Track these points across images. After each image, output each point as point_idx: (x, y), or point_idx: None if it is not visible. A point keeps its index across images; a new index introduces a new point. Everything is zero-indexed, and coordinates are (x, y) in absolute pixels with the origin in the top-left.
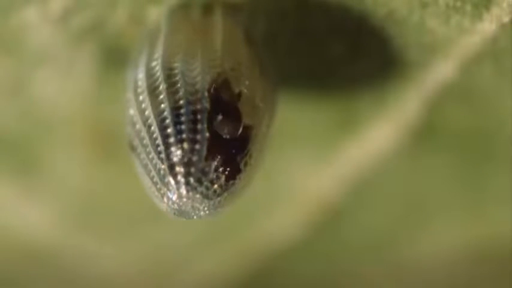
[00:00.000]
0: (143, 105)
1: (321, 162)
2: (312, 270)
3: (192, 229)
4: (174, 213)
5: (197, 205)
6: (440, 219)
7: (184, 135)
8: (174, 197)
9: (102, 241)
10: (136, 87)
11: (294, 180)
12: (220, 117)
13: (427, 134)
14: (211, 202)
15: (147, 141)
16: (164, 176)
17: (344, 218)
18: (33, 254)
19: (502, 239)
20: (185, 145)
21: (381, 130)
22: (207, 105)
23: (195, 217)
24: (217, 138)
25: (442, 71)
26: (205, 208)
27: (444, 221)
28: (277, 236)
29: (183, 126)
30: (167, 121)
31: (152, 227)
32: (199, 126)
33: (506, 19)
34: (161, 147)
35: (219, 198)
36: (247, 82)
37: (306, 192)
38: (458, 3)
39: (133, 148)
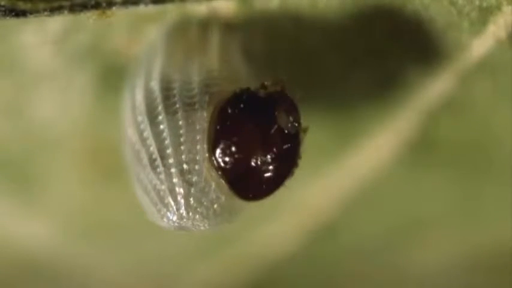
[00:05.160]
0: (142, 126)
1: (319, 173)
2: (309, 281)
3: (190, 240)
4: (174, 229)
5: (197, 223)
6: (439, 228)
7: (183, 156)
8: (174, 218)
9: (100, 253)
10: (134, 107)
11: (292, 191)
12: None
13: (424, 146)
14: (211, 222)
15: (146, 161)
16: (164, 197)
17: (342, 228)
18: (33, 265)
19: (502, 248)
20: (185, 166)
21: (379, 143)
22: (205, 125)
23: (195, 231)
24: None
25: (439, 86)
26: (206, 225)
27: (443, 230)
28: (276, 245)
29: (182, 147)
30: (166, 142)
31: (150, 239)
32: (198, 147)
33: (503, 35)
34: (160, 168)
35: (219, 218)
36: None
37: (304, 202)
38: (456, 20)
39: (131, 168)
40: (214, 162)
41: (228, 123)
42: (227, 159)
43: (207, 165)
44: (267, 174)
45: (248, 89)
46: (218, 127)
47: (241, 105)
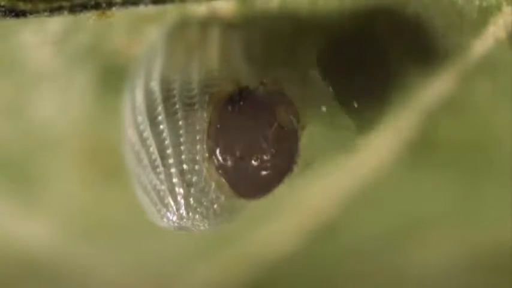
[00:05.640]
0: (142, 126)
1: (319, 173)
2: (309, 281)
3: (190, 240)
4: (174, 229)
5: (197, 223)
6: (439, 228)
7: (183, 156)
8: (174, 218)
9: (100, 253)
10: (134, 108)
11: (292, 191)
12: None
13: (424, 146)
14: (211, 222)
15: (146, 162)
16: (164, 197)
17: (342, 228)
18: (33, 265)
19: (502, 248)
20: (185, 166)
21: (379, 143)
22: (205, 125)
23: (195, 231)
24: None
25: (439, 86)
26: (206, 225)
27: (443, 230)
28: (276, 245)
29: (182, 147)
30: (166, 142)
31: (150, 239)
32: (198, 147)
33: (503, 35)
34: (160, 168)
35: (219, 218)
36: None
37: (304, 202)
38: (456, 20)
39: (131, 168)
40: (215, 161)
41: (227, 122)
42: (227, 158)
43: (207, 165)
44: (267, 172)
45: (247, 87)
46: (218, 126)
47: (240, 104)
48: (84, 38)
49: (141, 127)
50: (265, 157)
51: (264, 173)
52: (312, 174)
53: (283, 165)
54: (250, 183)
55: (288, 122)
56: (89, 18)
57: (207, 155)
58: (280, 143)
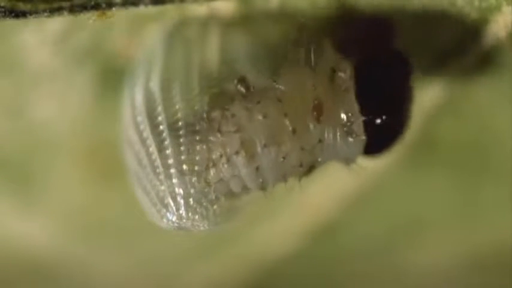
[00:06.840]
0: (142, 126)
1: (319, 173)
2: (309, 281)
3: (190, 240)
4: (174, 229)
5: (197, 224)
6: (439, 228)
7: (183, 157)
8: (174, 218)
9: (100, 253)
10: (134, 108)
11: (292, 191)
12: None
13: (424, 146)
14: (211, 222)
15: (145, 162)
16: (163, 198)
17: (342, 228)
18: (33, 265)
19: (502, 248)
20: (184, 166)
21: None
22: (205, 126)
23: (195, 231)
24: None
25: (439, 86)
26: (205, 226)
27: (443, 230)
28: (276, 245)
29: (182, 148)
30: (166, 142)
31: (150, 239)
32: (198, 148)
33: (502, 35)
34: (160, 169)
35: (218, 218)
36: None
37: (304, 202)
38: (456, 21)
39: (131, 168)
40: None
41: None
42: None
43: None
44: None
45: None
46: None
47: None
48: (84, 38)
49: (141, 127)
50: None
51: None
52: (312, 174)
53: None
54: None
55: None
56: (89, 19)
57: (207, 155)
58: None
